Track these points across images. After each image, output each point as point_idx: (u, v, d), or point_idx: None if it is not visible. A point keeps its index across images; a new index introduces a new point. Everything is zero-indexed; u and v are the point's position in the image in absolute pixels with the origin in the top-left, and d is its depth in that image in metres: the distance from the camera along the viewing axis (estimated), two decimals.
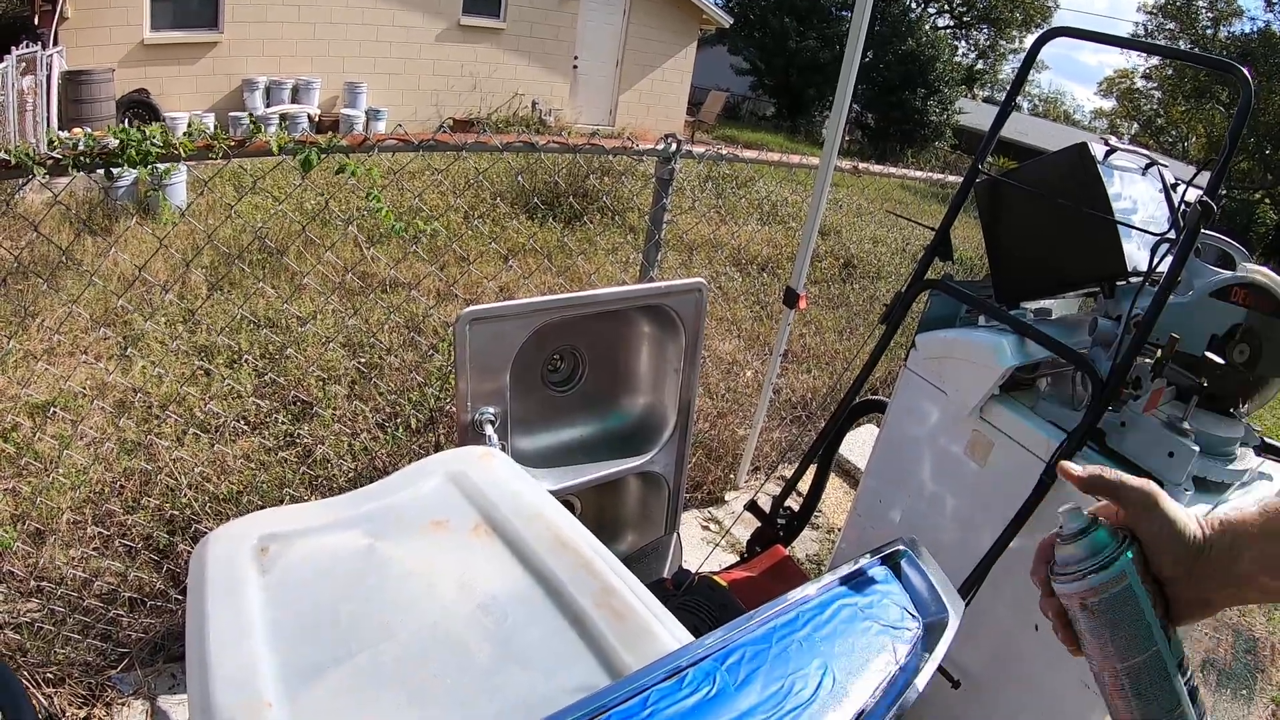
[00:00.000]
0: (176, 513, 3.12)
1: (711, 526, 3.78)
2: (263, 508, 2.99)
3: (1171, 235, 2.09)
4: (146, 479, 3.29)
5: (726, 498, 3.99)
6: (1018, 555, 2.11)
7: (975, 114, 28.08)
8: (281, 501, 3.22)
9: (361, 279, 5.63)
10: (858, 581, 1.04)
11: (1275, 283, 2.24)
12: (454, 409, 2.35)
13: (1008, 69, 34.15)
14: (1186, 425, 2.01)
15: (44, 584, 2.64)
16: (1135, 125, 34.05)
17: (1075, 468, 0.87)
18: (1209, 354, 2.09)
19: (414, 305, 5.24)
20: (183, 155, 2.06)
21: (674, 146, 2.77)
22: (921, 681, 0.94)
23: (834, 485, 4.40)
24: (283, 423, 3.81)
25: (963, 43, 33.50)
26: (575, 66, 15.84)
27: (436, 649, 1.05)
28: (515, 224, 7.32)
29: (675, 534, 2.73)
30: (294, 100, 11.76)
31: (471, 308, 2.03)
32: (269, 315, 4.80)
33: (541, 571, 1.18)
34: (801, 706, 0.82)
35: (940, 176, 7.04)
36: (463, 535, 1.26)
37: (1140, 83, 31.80)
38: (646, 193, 8.60)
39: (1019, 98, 2.69)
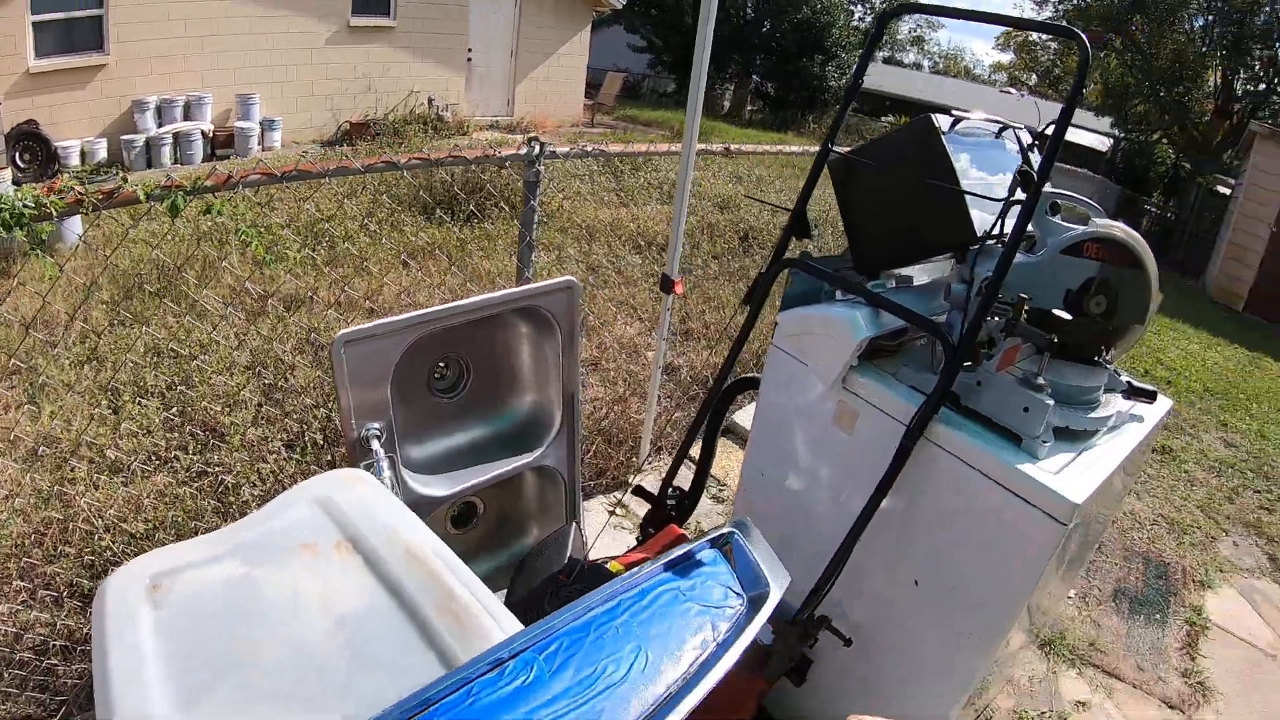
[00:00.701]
0: (95, 557, 3.13)
1: (618, 511, 3.88)
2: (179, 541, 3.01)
3: (1019, 198, 2.20)
4: (64, 527, 3.28)
5: (630, 480, 4.10)
6: (889, 517, 2.25)
7: (875, 76, 28.49)
8: (196, 533, 3.23)
9: (259, 299, 5.59)
10: (684, 566, 1.14)
11: (1128, 235, 2.41)
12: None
13: (905, 29, 34.74)
14: (1041, 380, 2.14)
15: None
16: (1034, 76, 34.92)
17: None
18: (1057, 310, 2.21)
19: (314, 319, 5.23)
20: (55, 213, 2.07)
21: (537, 149, 2.84)
22: (737, 650, 1.03)
23: (736, 456, 4.53)
24: (192, 454, 3.79)
25: (858, 6, 34.06)
26: (470, 60, 15.73)
27: (298, 665, 1.15)
28: (412, 226, 7.29)
29: (575, 523, 2.83)
30: (187, 117, 11.51)
31: (345, 330, 2.09)
32: (171, 346, 4.75)
33: (392, 583, 1.29)
34: (612, 687, 0.91)
35: (815, 149, 7.19)
36: (327, 555, 1.35)
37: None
38: (543, 185, 8.68)
39: (870, 66, 2.81)
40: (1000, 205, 2.26)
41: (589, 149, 3.48)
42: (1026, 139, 2.69)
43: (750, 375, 2.87)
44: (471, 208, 7.61)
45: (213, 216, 2.40)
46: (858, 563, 2.23)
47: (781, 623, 2.24)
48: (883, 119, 26.31)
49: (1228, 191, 17.45)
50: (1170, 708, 3.59)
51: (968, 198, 2.37)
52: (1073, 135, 24.23)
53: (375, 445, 2.25)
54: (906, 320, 2.27)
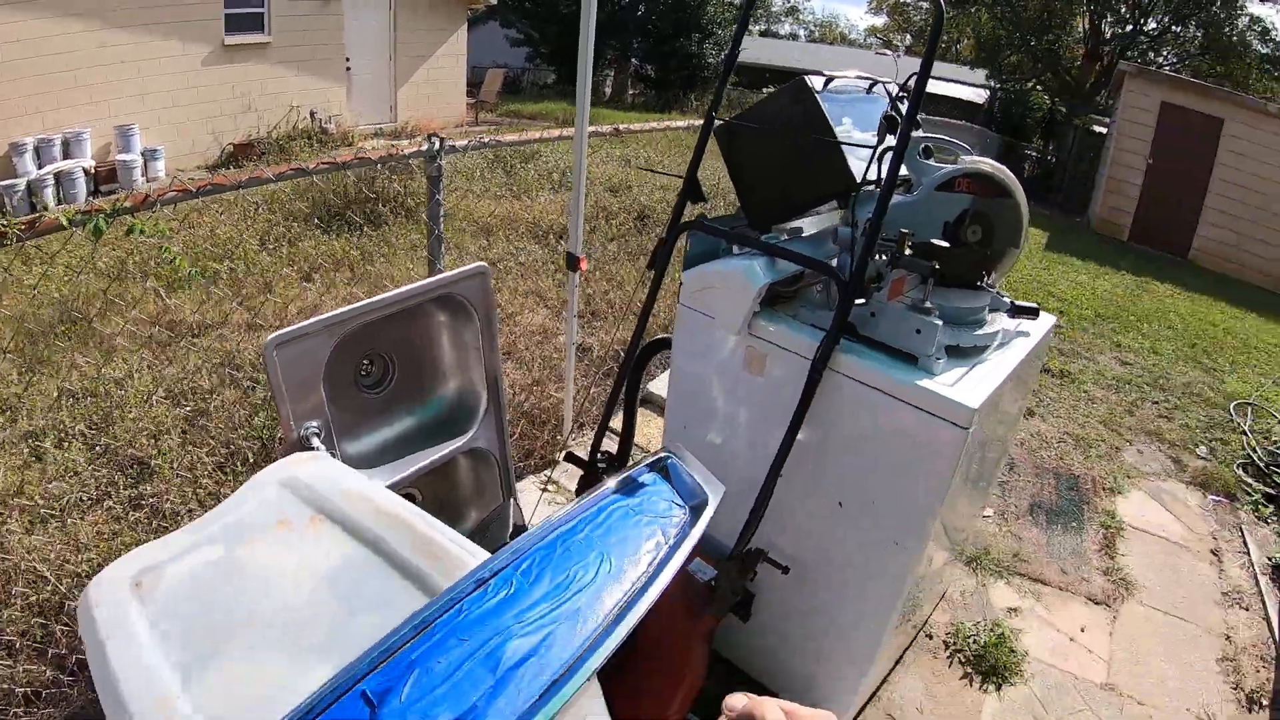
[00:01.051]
0: (45, 599, 3.11)
1: (550, 487, 3.99)
2: None
3: (890, 144, 2.36)
4: (6, 576, 3.25)
5: (557, 458, 4.21)
6: (805, 448, 2.42)
7: (753, 49, 28.91)
8: None
9: (170, 328, 5.53)
10: (630, 487, 1.27)
11: (995, 169, 2.64)
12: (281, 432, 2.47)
13: (779, 0, 35.18)
14: (929, 304, 2.33)
15: None
16: (909, 37, 35.79)
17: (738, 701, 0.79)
18: (935, 240, 2.42)
19: (224, 343, 5.21)
20: None
21: (438, 145, 2.93)
22: (687, 549, 1.17)
23: (657, 424, 4.68)
24: (125, 488, 3.78)
25: None
26: (348, 69, 15.53)
27: (295, 620, 1.25)
28: (311, 241, 7.24)
29: (511, 499, 2.94)
30: (66, 155, 11.15)
31: (275, 333, 2.16)
32: (85, 385, 4.69)
33: (369, 539, 1.40)
34: (584, 589, 1.04)
35: (698, 123, 7.40)
36: (302, 528, 1.45)
37: None
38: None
39: (744, 40, 2.98)
40: (874, 149, 2.44)
41: (486, 140, 3.57)
42: (894, 91, 2.87)
43: (662, 336, 3.00)
44: (366, 215, 7.59)
45: (134, 236, 2.43)
46: (784, 496, 2.39)
47: (721, 560, 2.39)
48: (763, 90, 26.78)
49: (1104, 131, 18.23)
50: (1096, 604, 3.87)
51: (845, 149, 2.57)
52: (950, 90, 25.01)
53: (315, 442, 2.33)
54: (801, 264, 2.45)
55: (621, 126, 4.87)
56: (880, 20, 41.33)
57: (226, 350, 5.15)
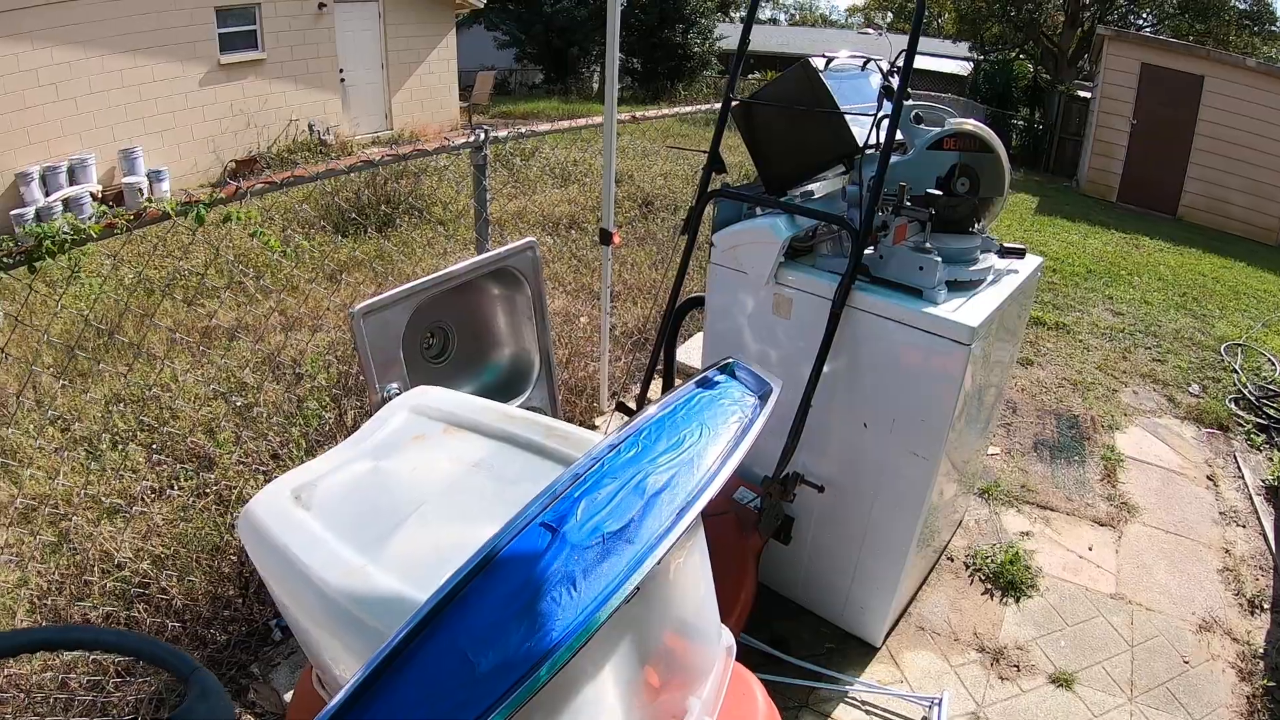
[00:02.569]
0: (122, 585, 3.27)
1: None
2: (198, 560, 3.29)
3: (886, 111, 2.72)
4: (79, 570, 3.40)
5: (597, 423, 4.52)
6: (831, 378, 2.75)
7: (736, 37, 29.11)
8: (217, 549, 3.49)
9: (203, 335, 5.77)
10: (708, 383, 1.57)
11: (977, 128, 3.02)
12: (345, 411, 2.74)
13: None
14: (928, 245, 2.70)
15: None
16: (890, 14, 36.05)
17: None
18: (930, 190, 2.79)
19: (265, 343, 5.48)
20: (94, 236, 2.38)
21: (483, 136, 3.24)
22: (761, 422, 1.46)
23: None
24: (185, 480, 3.99)
25: None
26: (343, 80, 15.79)
27: (454, 500, 1.54)
28: (331, 246, 7.51)
29: None
30: (73, 182, 11.39)
31: (360, 304, 2.46)
32: (132, 392, 4.92)
33: (503, 435, 1.70)
34: (692, 445, 1.34)
35: (706, 107, 7.70)
36: (437, 437, 1.75)
37: None
38: (444, 186, 8.97)
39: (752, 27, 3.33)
40: (871, 118, 2.81)
41: (523, 130, 3.89)
42: (885, 67, 3.21)
43: (695, 295, 3.33)
44: (381, 218, 7.86)
45: (231, 225, 2.73)
46: (814, 423, 2.71)
47: (765, 483, 2.70)
48: (750, 75, 27.02)
49: (1087, 95, 18.54)
50: (1101, 525, 4.19)
51: (849, 118, 2.91)
52: (934, 64, 25.30)
53: None
54: (818, 218, 2.81)
55: (638, 114, 5.17)
56: (861, 0, 41.62)
57: (267, 350, 5.41)
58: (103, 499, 3.83)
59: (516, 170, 10.41)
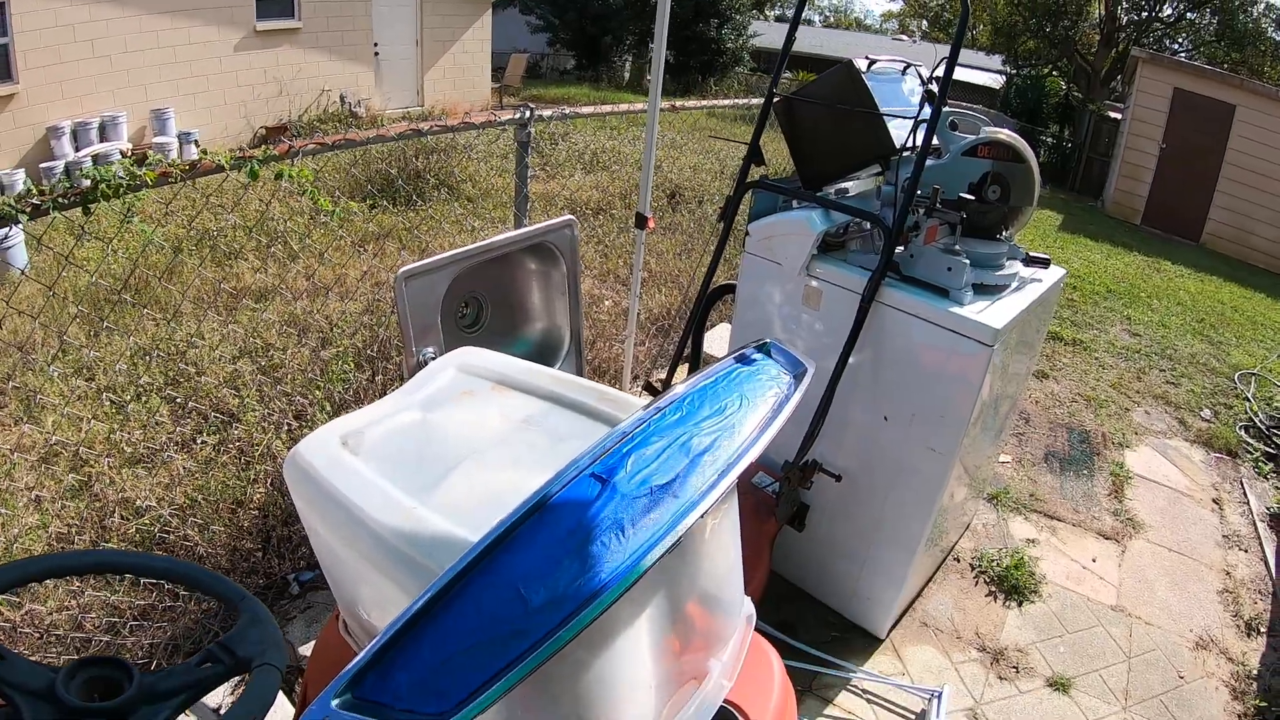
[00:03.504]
0: (143, 530, 3.31)
1: None
2: (218, 511, 3.34)
3: (925, 117, 2.80)
4: (100, 515, 3.46)
5: (634, 390, 4.59)
6: (856, 370, 2.82)
7: (769, 34, 29.13)
8: (239, 502, 3.54)
9: (232, 294, 5.83)
10: (745, 359, 1.63)
11: (1011, 138, 3.09)
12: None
13: None
14: (957, 248, 2.78)
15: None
16: (924, 22, 35.95)
17: None
18: (963, 194, 2.86)
19: (290, 306, 5.52)
20: (150, 182, 2.45)
21: (528, 113, 3.31)
22: (797, 398, 1.52)
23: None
24: (208, 435, 4.05)
25: None
26: (376, 54, 15.85)
27: (506, 451, 1.61)
28: (361, 217, 7.56)
29: None
30: (103, 139, 11.44)
31: (405, 267, 2.53)
32: (157, 347, 4.91)
33: (552, 396, 1.77)
34: (733, 413, 1.41)
35: (744, 101, 7.75)
36: (486, 394, 1.82)
37: None
38: (470, 165, 9.03)
39: (798, 27, 3.41)
40: (910, 121, 2.88)
41: (566, 110, 3.95)
42: (925, 74, 3.28)
43: (728, 283, 3.40)
44: (411, 192, 7.92)
45: (284, 180, 2.80)
46: (835, 413, 2.78)
47: (785, 468, 2.78)
48: (784, 75, 26.97)
49: (1118, 116, 18.52)
50: (1106, 539, 4.25)
51: (887, 120, 2.99)
52: (967, 75, 25.23)
53: None
54: (853, 214, 2.88)
55: (678, 104, 5.22)
56: (896, 5, 41.58)
57: (292, 313, 5.47)
58: (125, 447, 3.88)
59: (545, 154, 10.46)
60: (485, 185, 8.76)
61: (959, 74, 3.22)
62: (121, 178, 2.44)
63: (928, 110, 2.75)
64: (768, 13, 33.96)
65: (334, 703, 0.96)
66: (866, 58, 3.22)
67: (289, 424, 4.16)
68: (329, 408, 4.32)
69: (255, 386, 4.52)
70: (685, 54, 25.68)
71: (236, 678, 1.16)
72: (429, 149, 8.74)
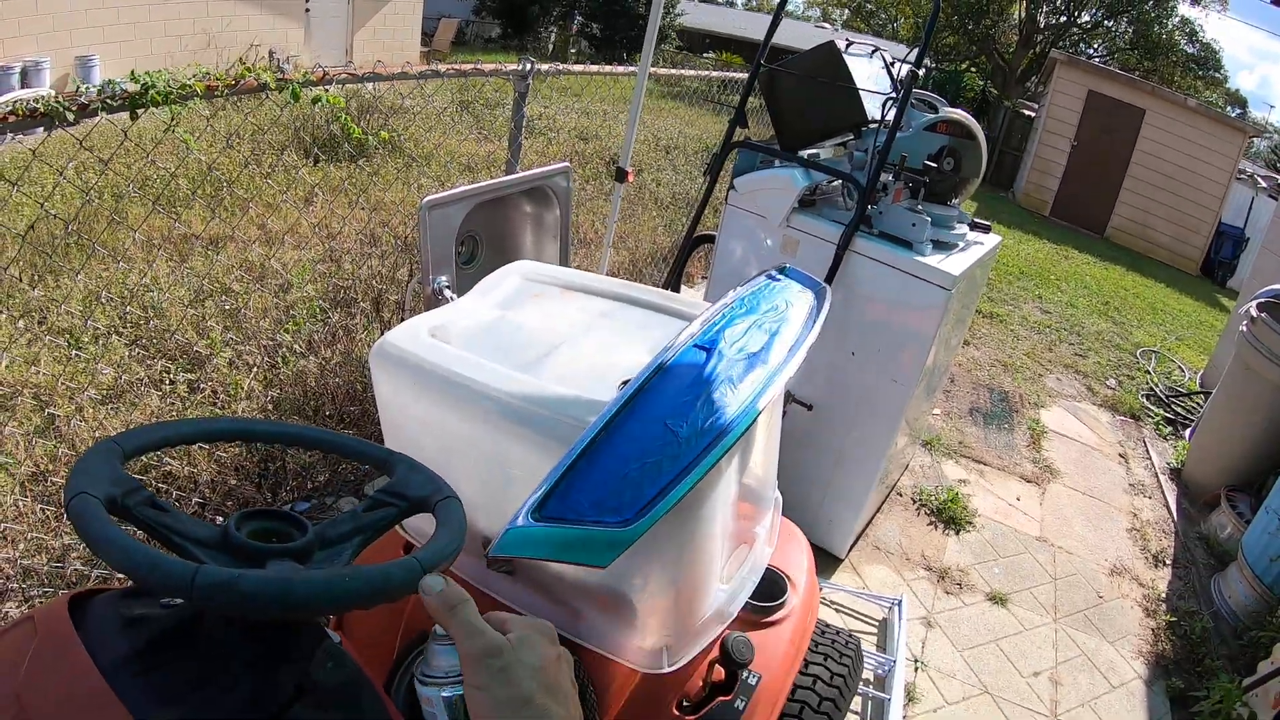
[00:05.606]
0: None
1: None
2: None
3: (893, 95, 3.23)
4: (75, 454, 3.35)
5: None
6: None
7: (694, 14, 29.49)
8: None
9: (181, 242, 5.69)
10: (773, 277, 1.90)
11: (964, 118, 3.50)
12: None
13: None
14: (919, 208, 3.16)
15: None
16: (847, 11, 36.59)
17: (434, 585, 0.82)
18: (928, 163, 3.20)
19: (246, 253, 5.47)
20: (199, 93, 2.57)
21: (529, 67, 3.52)
22: (826, 309, 1.79)
23: None
24: (183, 371, 4.04)
25: None
26: (308, 10, 15.59)
27: (598, 335, 1.82)
28: (307, 170, 7.53)
29: None
30: (24, 85, 11.11)
31: (429, 197, 2.73)
32: (112, 290, 4.81)
33: (621, 296, 1.99)
34: (785, 310, 1.67)
35: (719, 74, 8.07)
36: (556, 296, 2.01)
37: None
38: (414, 127, 9.08)
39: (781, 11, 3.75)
40: (882, 97, 3.29)
41: (560, 66, 4.17)
42: (889, 58, 3.65)
43: (708, 233, 3.70)
44: (349, 149, 7.92)
45: (319, 106, 2.95)
46: (810, 351, 3.07)
47: None
48: (705, 55, 27.33)
49: (1032, 114, 19.39)
50: (1028, 481, 4.74)
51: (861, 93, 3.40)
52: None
53: (448, 293, 2.91)
54: (830, 174, 3.25)
55: (662, 71, 5.46)
56: None
57: (250, 262, 5.40)
58: (90, 390, 3.75)
59: (482, 119, 10.51)
60: (430, 148, 8.81)
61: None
62: (173, 85, 2.55)
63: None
64: None
65: (526, 521, 1.15)
66: (845, 39, 3.63)
67: (259, 369, 4.11)
68: (299, 348, 4.31)
69: (221, 329, 4.47)
70: (612, 28, 25.69)
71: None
72: (369, 107, 8.76)
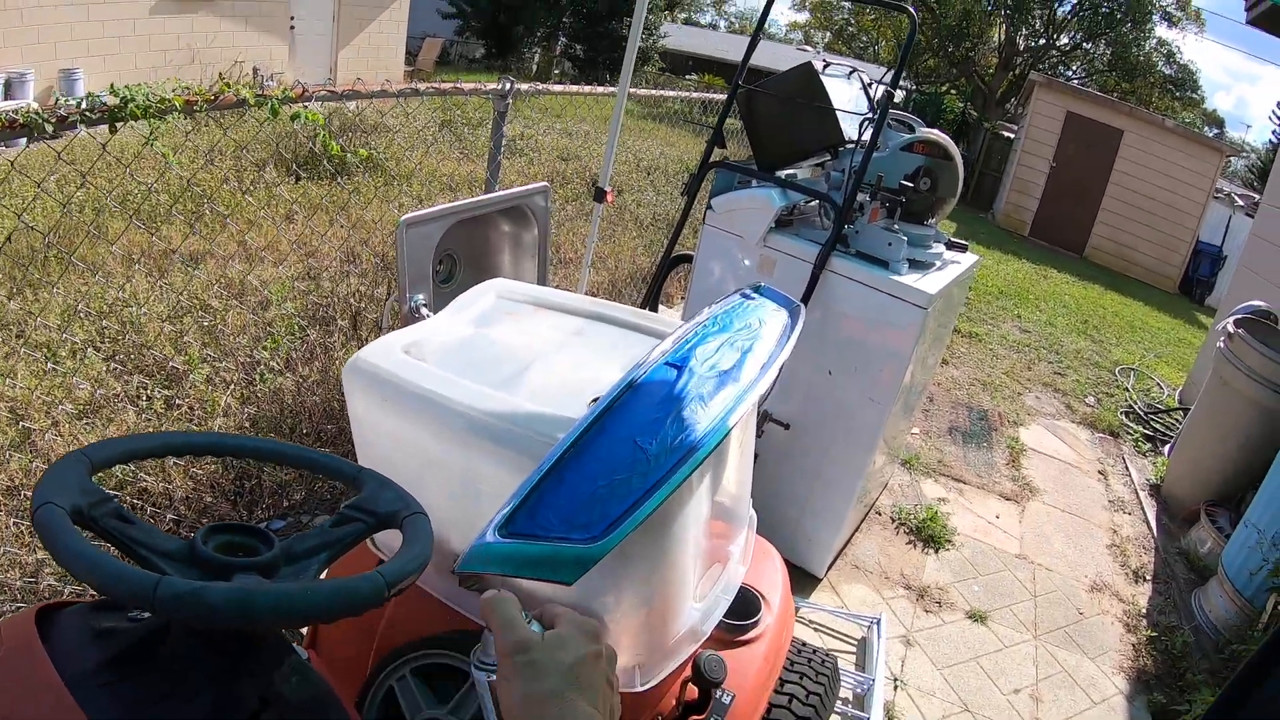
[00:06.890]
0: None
1: None
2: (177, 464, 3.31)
3: (870, 115, 3.26)
4: (36, 474, 3.28)
5: None
6: (805, 330, 3.11)
7: (677, 36, 29.72)
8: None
9: (161, 257, 5.64)
10: (749, 296, 1.91)
11: (941, 138, 3.53)
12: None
13: None
14: (896, 227, 3.17)
15: None
16: (828, 34, 36.93)
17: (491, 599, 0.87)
18: (904, 182, 3.22)
19: (225, 269, 5.45)
20: (178, 107, 2.58)
21: (508, 86, 3.54)
22: (799, 327, 1.80)
23: None
24: (153, 391, 4.00)
25: None
26: (292, 27, 15.60)
27: (571, 352, 1.82)
28: (287, 188, 7.52)
29: None
30: (8, 96, 11.08)
31: (407, 215, 2.73)
32: (90, 305, 4.77)
33: (594, 314, 2.00)
34: (758, 328, 1.67)
35: (700, 95, 8.09)
36: (531, 314, 2.02)
37: None
38: (395, 146, 9.08)
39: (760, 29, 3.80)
40: (859, 117, 3.29)
41: (540, 86, 4.19)
42: (866, 79, 3.68)
43: (686, 253, 3.71)
44: (332, 168, 7.92)
45: (299, 123, 2.95)
46: (785, 369, 3.08)
47: None
48: (688, 76, 27.49)
49: (1012, 135, 19.60)
50: (1007, 500, 4.76)
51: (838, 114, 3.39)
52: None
53: (424, 311, 2.91)
54: (807, 194, 3.27)
55: (641, 91, 5.48)
56: (803, 17, 42.56)
57: (229, 278, 5.39)
58: (67, 403, 3.76)
59: (464, 139, 10.53)
60: (410, 167, 8.81)
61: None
62: (153, 98, 2.55)
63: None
64: (677, 15, 34.42)
65: (493, 536, 1.14)
66: (823, 60, 3.63)
67: (236, 386, 4.10)
68: (277, 365, 4.32)
69: (199, 345, 4.47)
70: (595, 50, 25.80)
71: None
72: (351, 125, 8.75)
